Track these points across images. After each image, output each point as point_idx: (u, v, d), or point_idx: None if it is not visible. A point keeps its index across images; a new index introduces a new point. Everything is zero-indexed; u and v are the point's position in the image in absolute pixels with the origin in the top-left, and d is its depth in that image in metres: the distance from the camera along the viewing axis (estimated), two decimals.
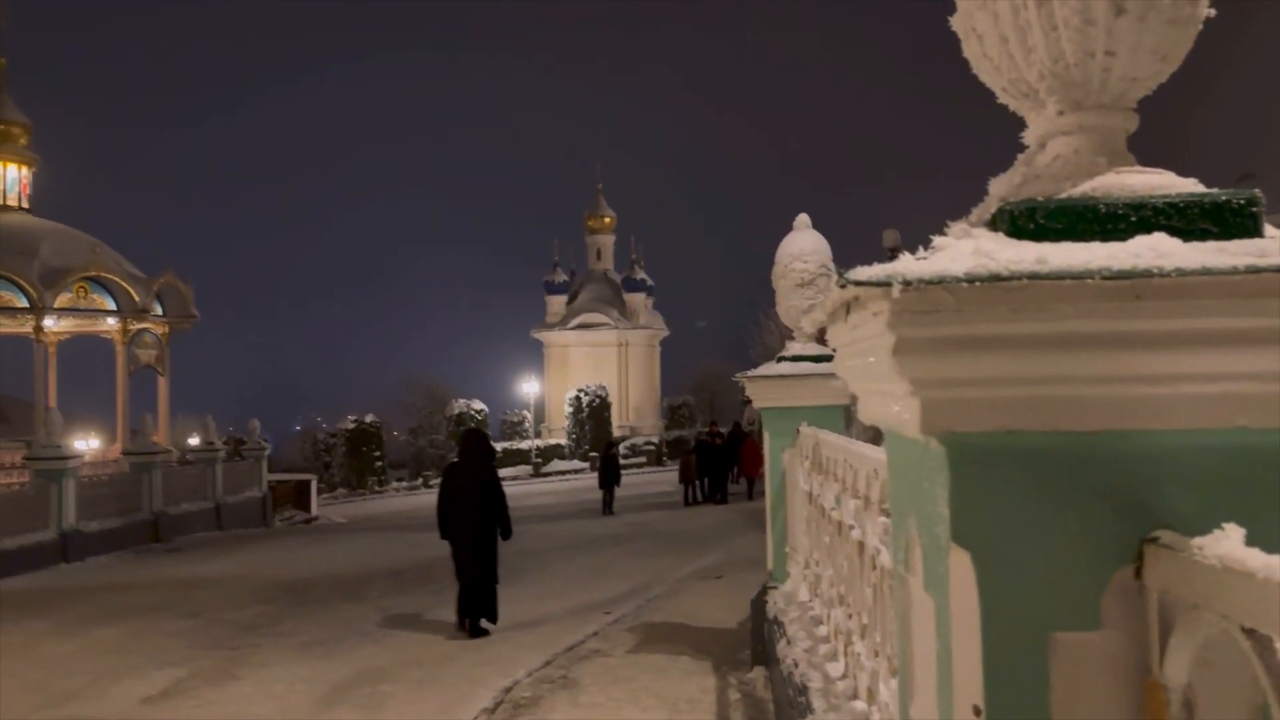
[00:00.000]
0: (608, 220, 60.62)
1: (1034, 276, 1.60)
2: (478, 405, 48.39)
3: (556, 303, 58.97)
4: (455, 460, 11.04)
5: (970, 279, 1.60)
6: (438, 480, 40.28)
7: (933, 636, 1.91)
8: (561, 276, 59.12)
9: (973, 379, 1.70)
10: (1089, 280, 1.60)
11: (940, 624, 1.86)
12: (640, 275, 58.82)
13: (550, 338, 58.67)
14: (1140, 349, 1.67)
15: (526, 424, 51.63)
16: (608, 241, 60.60)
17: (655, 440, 52.02)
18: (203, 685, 8.50)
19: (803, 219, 7.48)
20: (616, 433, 47.87)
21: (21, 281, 26.61)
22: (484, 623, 10.13)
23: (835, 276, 5.60)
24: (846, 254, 8.19)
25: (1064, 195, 1.84)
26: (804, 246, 7.33)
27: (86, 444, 29.39)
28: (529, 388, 54.19)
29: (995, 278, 1.60)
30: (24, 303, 26.91)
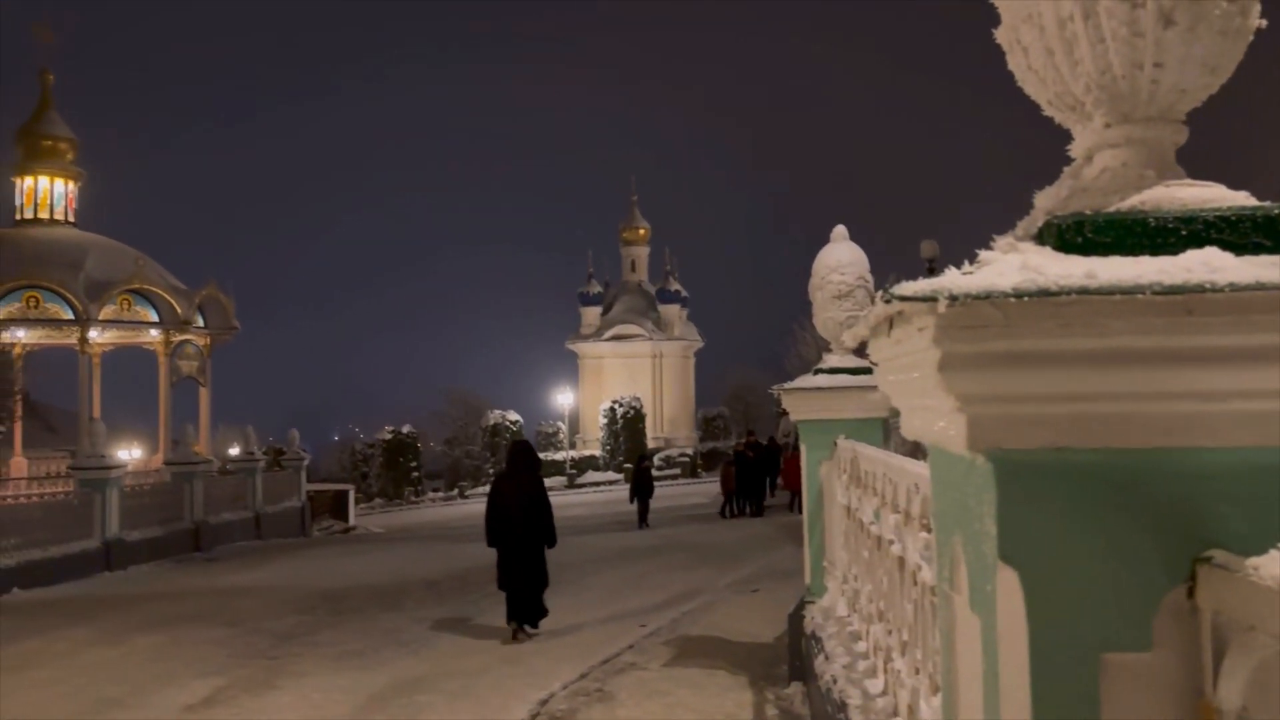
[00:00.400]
0: (642, 232, 60.76)
1: (1083, 291, 1.58)
2: (513, 416, 48.62)
3: (591, 314, 59.13)
4: (504, 471, 11.34)
5: (1018, 294, 1.58)
6: (473, 491, 40.30)
7: (979, 656, 1.89)
8: (596, 288, 59.31)
9: (1020, 395, 1.68)
10: (1140, 295, 1.57)
11: (987, 643, 1.83)
12: (675, 286, 58.86)
13: (585, 349, 58.83)
14: (1192, 365, 1.64)
15: (561, 435, 51.76)
16: (642, 253, 60.73)
17: (690, 452, 51.93)
18: (242, 694, 8.58)
19: (840, 230, 7.45)
20: (650, 444, 47.89)
21: (67, 294, 27.13)
22: (527, 628, 10.48)
23: (873, 288, 5.58)
24: (883, 265, 8.13)
25: (1112, 209, 1.82)
26: (841, 258, 7.30)
27: (129, 454, 29.86)
28: (564, 399, 54.36)
29: (1044, 293, 1.58)
30: (69, 315, 27.44)
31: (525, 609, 10.48)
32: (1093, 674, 1.68)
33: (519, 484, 10.66)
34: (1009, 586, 1.71)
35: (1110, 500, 1.70)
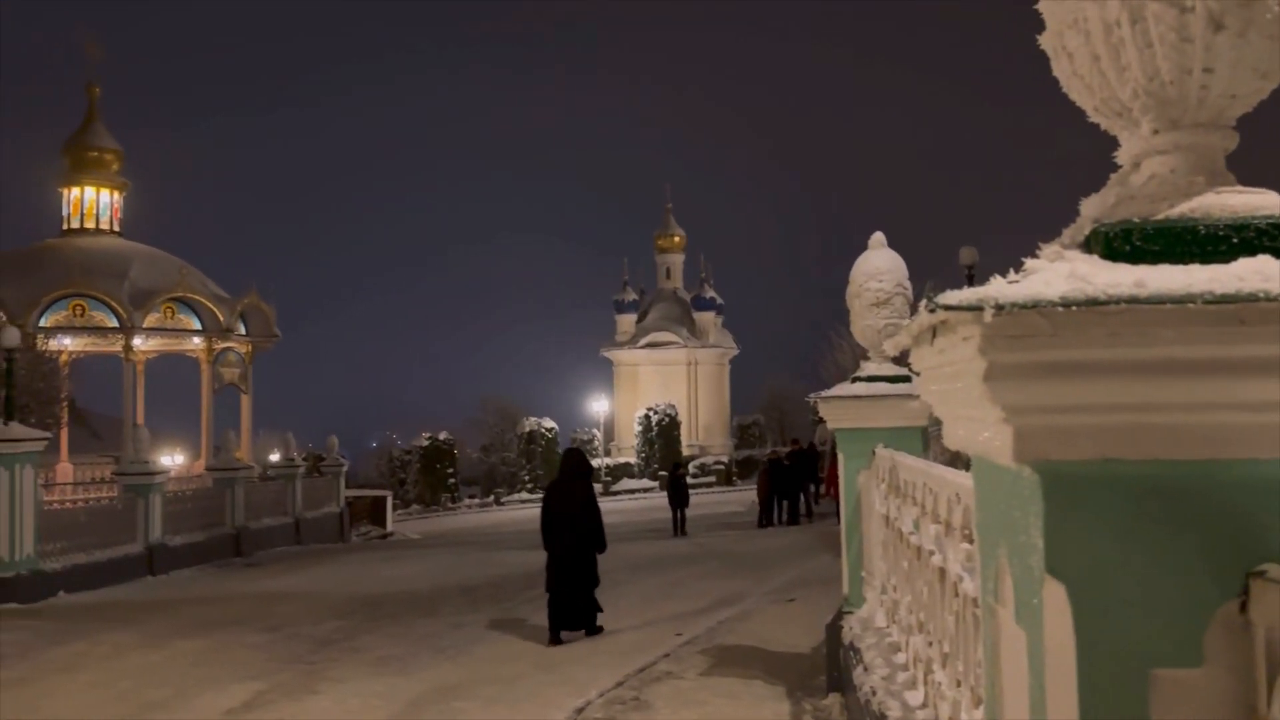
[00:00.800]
0: (677, 239, 60.77)
1: (1133, 300, 1.56)
2: (548, 423, 48.72)
3: (626, 321, 59.20)
4: (556, 478, 11.75)
5: (1066, 303, 1.56)
6: (509, 498, 40.47)
7: (1024, 670, 1.86)
8: (631, 295, 59.38)
9: (1068, 406, 1.66)
10: (1191, 305, 1.55)
11: (1033, 658, 1.81)
12: (710, 294, 58.79)
13: (620, 356, 58.89)
14: (1244, 375, 1.61)
15: (596, 442, 51.83)
16: (677, 260, 60.73)
17: (725, 460, 51.79)
18: (282, 698, 8.66)
19: (878, 237, 7.40)
20: (686, 452, 47.84)
21: (112, 302, 27.61)
22: (584, 632, 10.74)
23: (911, 295, 5.51)
24: (920, 272, 8.05)
25: (1161, 216, 1.79)
26: (879, 265, 7.25)
27: (172, 460, 30.34)
28: (598, 406, 54.43)
29: (1092, 302, 1.56)
30: (114, 323, 27.92)
31: (571, 614, 10.70)
32: (1142, 690, 1.65)
33: (571, 490, 11.08)
34: (1056, 600, 1.69)
35: (1160, 513, 1.67)
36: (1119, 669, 1.66)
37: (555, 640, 10.47)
